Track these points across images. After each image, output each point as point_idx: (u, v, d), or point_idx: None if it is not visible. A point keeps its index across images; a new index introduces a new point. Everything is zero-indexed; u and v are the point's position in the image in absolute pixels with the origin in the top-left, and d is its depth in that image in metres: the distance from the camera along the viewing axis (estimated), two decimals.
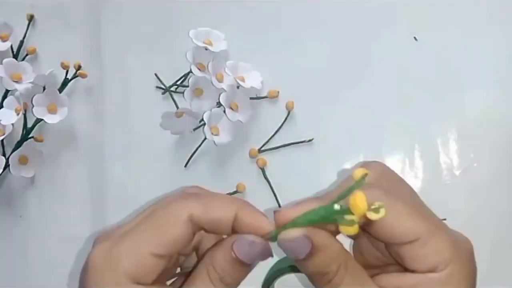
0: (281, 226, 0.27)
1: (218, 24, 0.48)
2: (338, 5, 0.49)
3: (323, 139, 0.48)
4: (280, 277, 0.35)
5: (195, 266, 0.30)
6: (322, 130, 0.48)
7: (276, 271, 0.34)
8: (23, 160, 0.49)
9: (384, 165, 0.31)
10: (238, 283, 0.29)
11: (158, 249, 0.27)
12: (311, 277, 0.28)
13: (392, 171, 0.31)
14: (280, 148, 0.48)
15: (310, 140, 0.48)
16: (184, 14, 0.51)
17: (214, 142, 0.46)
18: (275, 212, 0.28)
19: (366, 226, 0.28)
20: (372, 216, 0.24)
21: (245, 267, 0.28)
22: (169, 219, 0.28)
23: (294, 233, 0.27)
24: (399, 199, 0.28)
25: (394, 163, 0.47)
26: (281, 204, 0.48)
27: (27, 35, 0.53)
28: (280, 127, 0.48)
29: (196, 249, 0.33)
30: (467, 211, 0.45)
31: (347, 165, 0.47)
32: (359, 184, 0.24)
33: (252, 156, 0.48)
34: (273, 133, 0.48)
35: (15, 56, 0.52)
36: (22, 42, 0.52)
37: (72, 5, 0.53)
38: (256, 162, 0.48)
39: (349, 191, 0.24)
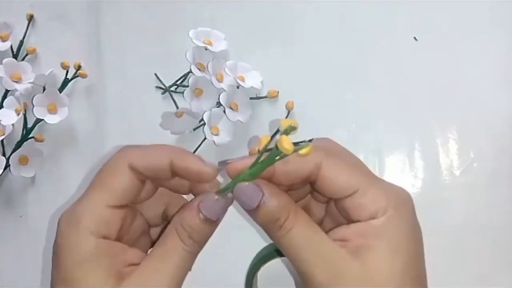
0: (232, 179, 0.30)
1: (218, 24, 0.48)
2: (338, 5, 0.49)
3: None
4: (265, 264, 0.35)
5: (163, 229, 0.32)
6: (322, 130, 0.48)
7: (260, 259, 0.35)
8: (24, 160, 0.49)
9: (333, 141, 0.34)
10: (207, 239, 0.31)
11: (110, 200, 0.30)
12: (265, 226, 0.30)
13: (340, 145, 0.33)
14: None
15: (310, 140, 0.48)
16: (184, 14, 0.51)
17: (214, 142, 0.46)
18: (227, 163, 0.30)
19: (312, 185, 0.31)
20: (301, 152, 0.27)
21: (212, 223, 0.31)
22: (113, 171, 0.31)
23: (246, 183, 0.30)
24: (338, 158, 0.31)
25: (394, 163, 0.47)
26: None
27: (27, 35, 0.53)
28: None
29: (165, 217, 0.34)
30: (467, 211, 0.45)
31: None
32: (285, 131, 0.27)
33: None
34: (273, 133, 0.48)
35: (15, 56, 0.52)
36: (22, 42, 0.52)
37: (72, 5, 0.53)
38: None
39: (275, 135, 0.28)
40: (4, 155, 0.49)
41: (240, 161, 0.30)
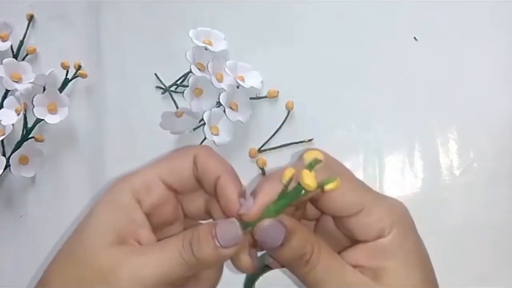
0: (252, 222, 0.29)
1: (218, 24, 0.48)
2: (338, 5, 0.49)
3: (323, 139, 0.48)
4: (262, 275, 0.35)
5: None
6: (322, 130, 0.48)
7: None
8: (24, 160, 0.49)
9: (323, 152, 0.33)
10: (205, 260, 0.29)
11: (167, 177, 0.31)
12: (290, 264, 0.30)
13: (329, 155, 0.33)
14: (280, 148, 0.48)
15: (310, 140, 0.48)
16: (184, 14, 0.51)
17: (214, 142, 0.46)
18: (240, 215, 0.29)
19: (315, 203, 0.31)
20: (327, 187, 0.27)
21: (215, 249, 0.29)
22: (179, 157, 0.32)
23: (267, 221, 0.29)
24: (342, 175, 0.30)
25: (394, 163, 0.47)
26: None
27: (27, 35, 0.53)
28: (280, 127, 0.48)
29: (207, 210, 0.34)
30: (467, 211, 0.45)
31: (347, 165, 0.47)
32: (310, 166, 0.27)
33: (252, 156, 0.48)
34: (273, 133, 0.48)
35: (15, 56, 0.52)
36: (22, 42, 0.52)
37: (72, 5, 0.53)
38: (256, 162, 0.48)
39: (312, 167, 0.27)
40: (4, 155, 0.49)
41: (254, 208, 0.29)
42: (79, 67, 0.50)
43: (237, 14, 0.50)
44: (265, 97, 0.49)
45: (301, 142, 0.48)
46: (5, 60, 0.49)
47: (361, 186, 0.32)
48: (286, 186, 0.28)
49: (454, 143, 0.46)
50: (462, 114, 0.46)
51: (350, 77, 0.48)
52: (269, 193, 0.29)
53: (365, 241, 0.30)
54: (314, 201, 0.31)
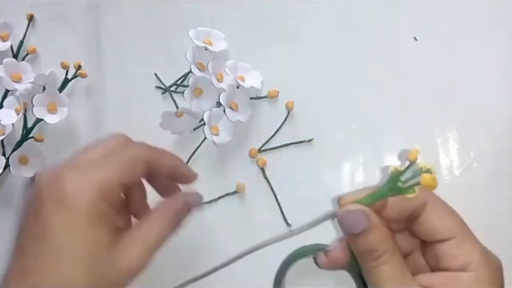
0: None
1: (218, 24, 0.48)
2: (338, 5, 0.49)
3: (323, 139, 0.48)
4: (294, 264, 0.35)
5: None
6: (322, 130, 0.48)
7: (288, 260, 0.35)
8: (23, 160, 0.49)
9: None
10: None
11: (126, 179, 0.32)
12: (361, 254, 0.30)
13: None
14: (280, 148, 0.48)
15: (310, 140, 0.48)
16: (184, 14, 0.51)
17: (214, 142, 0.46)
18: (338, 198, 0.31)
19: (410, 223, 0.31)
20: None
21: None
22: (132, 160, 0.34)
23: (356, 206, 0.30)
24: (440, 198, 0.31)
25: (394, 163, 0.47)
26: (281, 204, 0.48)
27: (27, 35, 0.53)
28: (280, 127, 0.48)
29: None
30: (467, 211, 0.45)
31: (347, 165, 0.47)
32: (416, 164, 0.29)
33: (252, 156, 0.48)
34: (273, 133, 0.48)
35: (15, 56, 0.52)
36: (22, 42, 0.52)
37: (72, 5, 0.53)
38: (256, 162, 0.48)
39: (407, 168, 0.29)
40: (4, 155, 0.49)
41: (352, 194, 0.30)
42: (79, 67, 0.50)
43: (237, 14, 0.50)
44: (265, 97, 0.49)
45: (301, 142, 0.48)
46: (5, 60, 0.49)
47: (456, 213, 0.32)
48: (411, 163, 0.29)
49: (454, 143, 0.46)
50: (462, 114, 0.46)
51: (350, 77, 0.48)
52: (365, 189, 0.31)
53: (446, 270, 0.30)
54: (411, 221, 0.31)
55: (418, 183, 0.28)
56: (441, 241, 0.30)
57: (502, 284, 0.30)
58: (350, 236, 0.30)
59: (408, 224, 0.32)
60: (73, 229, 0.30)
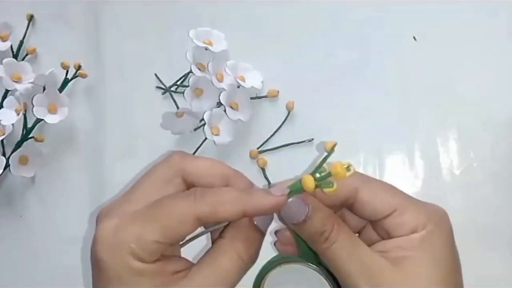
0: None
1: (218, 24, 0.48)
2: (338, 5, 0.49)
3: (323, 139, 0.48)
4: (272, 271, 0.35)
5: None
6: (322, 130, 0.48)
7: (267, 265, 0.35)
8: (23, 160, 0.49)
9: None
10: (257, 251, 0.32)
11: (163, 239, 0.29)
12: (311, 239, 0.31)
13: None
14: (280, 148, 0.48)
15: (310, 140, 0.48)
16: (184, 14, 0.51)
17: (215, 142, 0.46)
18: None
19: (348, 208, 0.32)
20: (347, 173, 0.29)
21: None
22: (177, 218, 0.30)
23: (294, 198, 0.30)
24: (374, 180, 0.32)
25: (394, 163, 0.47)
26: None
27: (27, 35, 0.53)
28: (280, 127, 0.48)
29: None
30: (467, 211, 0.45)
31: None
32: (331, 153, 0.29)
33: (252, 156, 0.48)
34: (273, 133, 0.48)
35: (15, 56, 0.52)
36: (22, 42, 0.52)
37: (72, 5, 0.53)
38: (256, 162, 0.48)
39: (324, 160, 0.30)
40: (4, 155, 0.49)
41: (281, 183, 0.31)
42: (79, 67, 0.50)
43: (237, 14, 0.50)
44: (265, 97, 0.49)
45: (301, 142, 0.48)
46: (5, 60, 0.49)
47: (394, 188, 0.32)
48: (328, 154, 0.30)
49: (454, 143, 0.46)
50: (462, 114, 0.46)
51: (350, 77, 0.48)
52: (290, 180, 0.31)
53: (399, 236, 0.31)
54: (349, 206, 0.32)
55: (329, 174, 0.28)
56: (385, 217, 0.31)
57: (450, 229, 0.32)
58: (296, 226, 0.31)
59: (349, 209, 0.32)
60: None
